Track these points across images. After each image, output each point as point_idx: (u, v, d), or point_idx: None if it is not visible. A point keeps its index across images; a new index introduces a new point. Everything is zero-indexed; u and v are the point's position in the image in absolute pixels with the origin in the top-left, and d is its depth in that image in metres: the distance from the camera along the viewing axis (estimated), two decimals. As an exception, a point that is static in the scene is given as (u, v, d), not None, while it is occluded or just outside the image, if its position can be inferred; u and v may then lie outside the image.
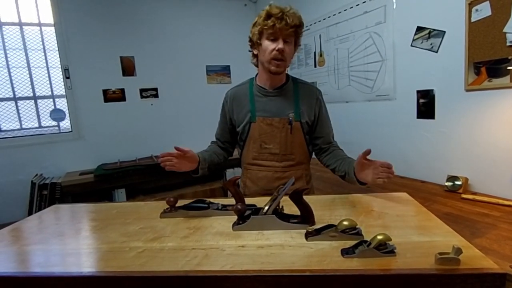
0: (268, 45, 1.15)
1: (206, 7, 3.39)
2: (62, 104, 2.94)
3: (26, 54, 2.76)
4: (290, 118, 1.22)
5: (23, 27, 2.74)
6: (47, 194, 2.50)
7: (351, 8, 2.28)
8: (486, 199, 1.42)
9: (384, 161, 0.99)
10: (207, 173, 1.27)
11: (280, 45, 1.13)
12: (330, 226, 0.77)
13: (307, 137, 1.29)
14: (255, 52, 1.24)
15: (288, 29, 1.11)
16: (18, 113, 2.80)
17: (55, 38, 2.80)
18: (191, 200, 1.04)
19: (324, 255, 0.68)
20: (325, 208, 0.98)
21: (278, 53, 1.14)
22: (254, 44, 1.22)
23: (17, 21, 2.72)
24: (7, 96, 2.73)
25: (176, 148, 1.12)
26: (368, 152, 1.00)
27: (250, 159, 1.30)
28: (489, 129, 1.51)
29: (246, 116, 1.26)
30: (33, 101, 2.84)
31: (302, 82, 1.32)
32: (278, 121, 1.23)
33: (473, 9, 1.50)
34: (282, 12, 1.11)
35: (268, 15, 1.12)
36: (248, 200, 0.98)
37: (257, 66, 1.29)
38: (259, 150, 1.27)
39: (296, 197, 0.83)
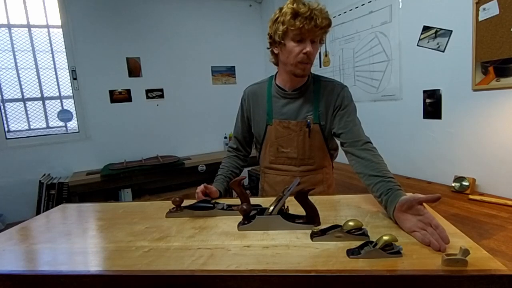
0: (294, 46, 1.05)
1: (211, 8, 3.41)
2: (69, 105, 2.97)
3: (34, 56, 2.80)
4: (308, 121, 1.14)
5: (31, 29, 2.78)
6: (54, 193, 2.53)
7: (356, 8, 2.28)
8: (494, 200, 1.41)
9: (436, 220, 0.72)
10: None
11: (308, 47, 1.03)
12: (335, 226, 0.76)
13: (328, 140, 1.19)
14: (276, 51, 1.12)
15: (317, 31, 1.02)
16: (27, 114, 2.84)
17: (62, 39, 2.84)
18: (197, 200, 1.05)
19: (330, 256, 0.68)
20: (331, 208, 0.98)
21: (305, 56, 1.04)
22: (275, 42, 1.09)
23: (25, 23, 2.76)
24: (15, 97, 2.78)
25: (205, 186, 1.11)
26: (434, 199, 0.73)
27: (267, 162, 1.25)
28: (497, 129, 1.49)
29: (263, 118, 1.20)
30: (41, 102, 2.88)
31: (326, 80, 1.19)
32: (295, 124, 1.15)
33: (481, 8, 1.49)
34: (310, 11, 0.99)
35: (295, 14, 0.99)
36: (254, 200, 0.99)
37: (276, 64, 1.19)
38: (276, 154, 1.21)
39: (301, 198, 0.83)
